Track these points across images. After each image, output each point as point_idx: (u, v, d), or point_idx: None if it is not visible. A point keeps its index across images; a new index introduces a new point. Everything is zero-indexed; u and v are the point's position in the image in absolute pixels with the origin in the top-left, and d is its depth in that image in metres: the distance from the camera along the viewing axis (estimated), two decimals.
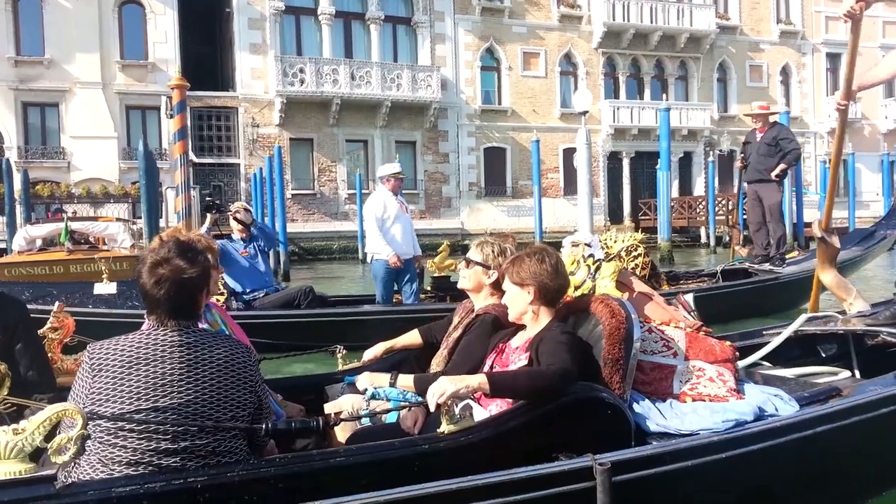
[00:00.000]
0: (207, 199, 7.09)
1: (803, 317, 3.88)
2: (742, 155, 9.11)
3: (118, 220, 14.97)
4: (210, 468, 1.98)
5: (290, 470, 2.04)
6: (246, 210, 6.66)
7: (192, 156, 23.44)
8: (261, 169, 21.05)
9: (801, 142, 25.01)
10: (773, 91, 33.64)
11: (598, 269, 3.34)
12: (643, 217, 29.91)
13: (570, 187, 30.41)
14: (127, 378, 1.95)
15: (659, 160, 25.64)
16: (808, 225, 19.51)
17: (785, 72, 34.32)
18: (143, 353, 1.98)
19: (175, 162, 12.82)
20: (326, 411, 2.86)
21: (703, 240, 27.36)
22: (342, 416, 2.39)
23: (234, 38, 25.59)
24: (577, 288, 3.11)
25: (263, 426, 2.20)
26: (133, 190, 22.00)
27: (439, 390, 2.19)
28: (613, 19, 29.96)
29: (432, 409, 2.21)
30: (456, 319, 3.26)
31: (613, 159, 31.08)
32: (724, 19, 32.59)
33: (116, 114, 23.73)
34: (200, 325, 2.47)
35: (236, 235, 6.48)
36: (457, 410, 2.24)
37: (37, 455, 1.90)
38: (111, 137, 23.43)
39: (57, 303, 3.13)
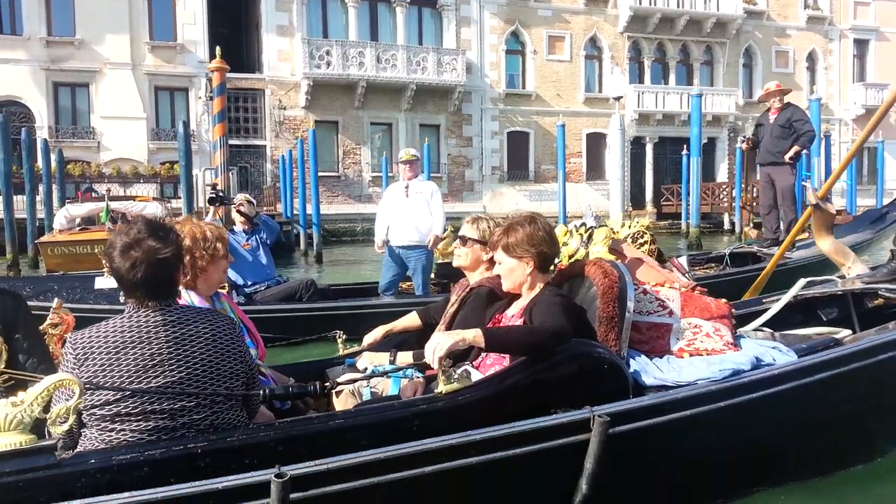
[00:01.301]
0: (211, 191, 6.91)
1: (802, 281, 3.88)
2: (746, 137, 8.98)
3: (155, 199, 15.20)
4: (210, 434, 1.98)
5: (289, 433, 2.04)
6: (249, 202, 6.55)
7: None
8: (290, 151, 21.16)
9: (825, 128, 24.75)
10: (798, 77, 33.29)
11: (590, 236, 3.39)
12: (665, 203, 29.84)
13: (592, 172, 30.41)
14: (116, 363, 1.93)
15: (685, 146, 25.62)
16: (839, 212, 19.47)
17: (811, 58, 33.94)
18: (128, 336, 1.95)
19: (214, 143, 13.09)
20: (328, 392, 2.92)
21: (727, 226, 27.27)
22: (340, 382, 2.42)
23: (260, 20, 25.66)
24: (571, 256, 3.15)
25: (261, 391, 2.23)
26: (162, 170, 22.26)
27: (437, 345, 2.19)
28: (640, 3, 29.70)
29: (434, 365, 2.20)
30: (453, 297, 3.26)
31: (636, 144, 30.96)
32: (752, 4, 32.22)
33: (146, 94, 23.91)
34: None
35: (238, 227, 6.37)
36: (455, 373, 2.25)
37: (37, 429, 1.91)
38: (140, 118, 23.64)
39: (56, 299, 3.14)
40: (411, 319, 3.46)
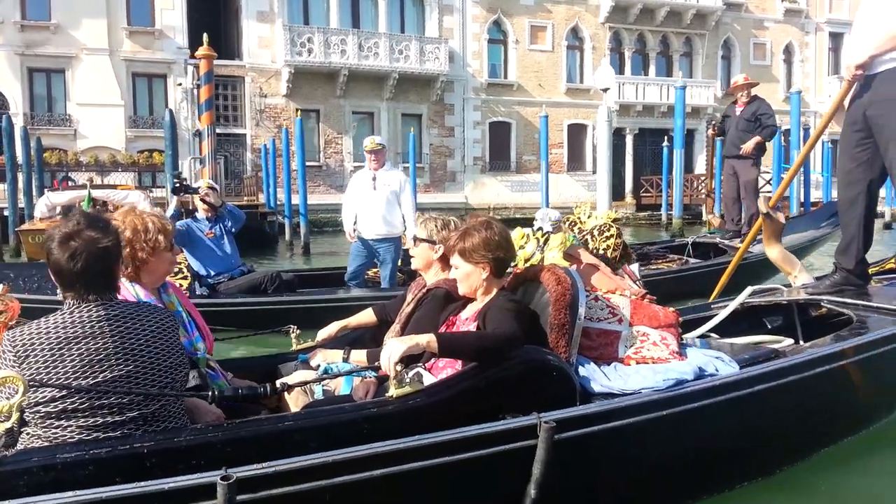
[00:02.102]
0: (175, 180, 6.71)
1: (749, 289, 3.95)
2: (714, 123, 9.04)
3: (137, 188, 14.98)
4: (157, 434, 1.96)
5: (237, 435, 2.02)
6: (213, 189, 6.32)
7: (198, 125, 23.29)
8: (273, 140, 20.93)
9: (802, 121, 25.14)
10: (776, 69, 33.71)
11: (546, 241, 3.42)
12: (645, 194, 30.08)
13: (573, 163, 30.55)
14: (60, 360, 1.89)
15: (666, 137, 25.80)
16: (815, 204, 19.74)
17: (788, 50, 34.35)
18: (71, 332, 1.92)
19: (202, 132, 12.91)
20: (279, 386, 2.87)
21: (705, 217, 27.56)
22: (291, 383, 2.40)
23: (240, 6, 25.28)
24: (527, 260, 3.19)
25: (211, 392, 2.22)
26: (141, 158, 21.91)
27: (392, 351, 2.21)
28: None
29: (390, 372, 2.22)
30: (409, 296, 3.26)
31: (616, 135, 31.02)
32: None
33: (123, 81, 23.48)
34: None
35: (201, 215, 6.15)
36: (407, 377, 2.28)
37: None
38: (118, 105, 23.23)
39: (1, 285, 3.06)
40: (367, 316, 3.45)
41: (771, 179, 23.47)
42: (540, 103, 28.43)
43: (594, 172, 30.90)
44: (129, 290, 2.59)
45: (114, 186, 14.93)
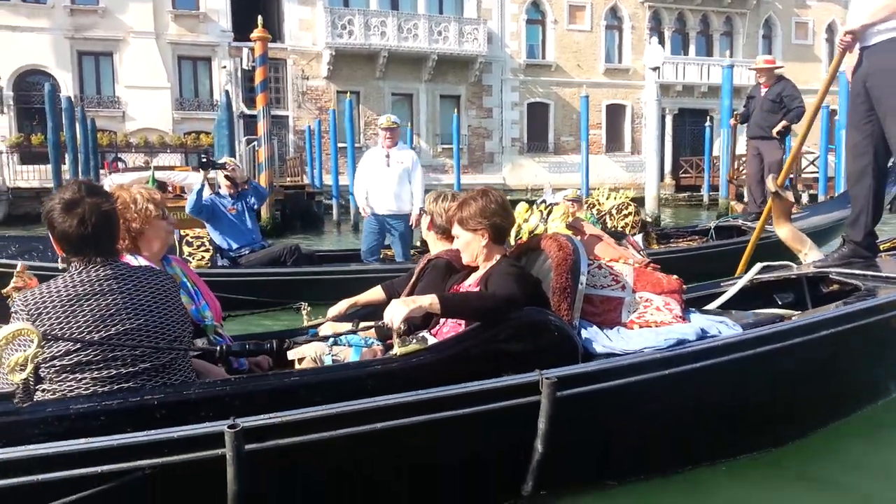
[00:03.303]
0: (202, 156, 6.97)
1: (758, 265, 3.93)
2: (736, 112, 8.88)
3: (194, 168, 15.24)
4: (167, 387, 2.02)
5: (245, 388, 2.08)
6: (236, 166, 6.52)
7: (243, 108, 23.62)
8: (319, 121, 21.19)
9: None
10: (817, 49, 33.09)
11: (549, 213, 3.44)
12: (684, 175, 29.86)
13: (612, 144, 30.40)
14: (72, 316, 1.97)
15: (708, 117, 25.59)
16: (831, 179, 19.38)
17: (831, 29, 33.61)
18: (81, 290, 1.99)
19: (256, 113, 13.15)
20: (290, 357, 2.87)
21: (746, 198, 27.29)
22: (300, 346, 2.43)
23: None
24: (531, 232, 3.21)
25: (219, 347, 2.28)
26: (188, 140, 22.29)
27: (396, 312, 2.24)
28: None
29: (394, 327, 2.25)
30: (416, 270, 3.33)
31: None
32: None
33: (169, 64, 23.87)
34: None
35: (224, 191, 6.32)
36: (411, 340, 2.29)
37: None
38: (164, 88, 23.64)
39: (20, 263, 3.12)
40: (376, 293, 3.50)
41: (816, 159, 23.22)
42: (578, 84, 28.30)
43: (633, 153, 30.80)
44: (132, 262, 2.65)
45: (172, 168, 15.24)
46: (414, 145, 23.85)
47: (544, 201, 3.69)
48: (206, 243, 6.09)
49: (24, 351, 1.83)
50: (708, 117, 26.94)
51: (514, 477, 2.38)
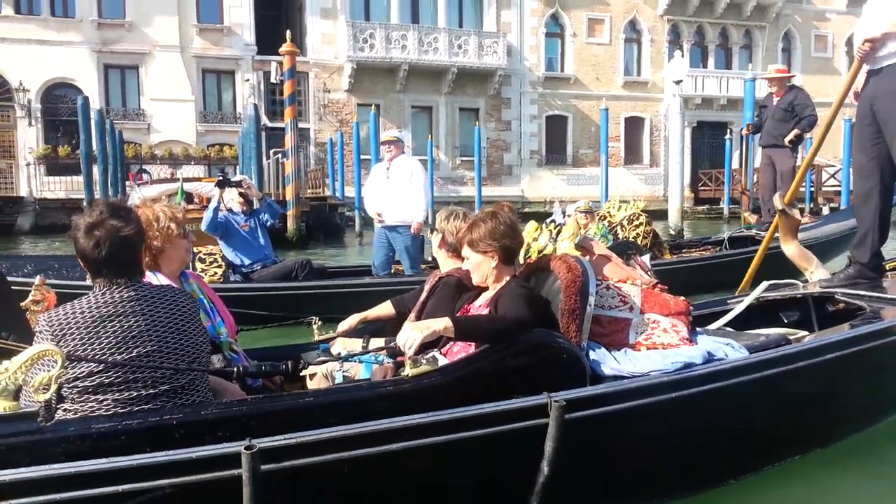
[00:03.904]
0: (220, 174, 6.96)
1: (764, 283, 3.91)
2: (749, 123, 8.89)
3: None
4: (185, 407, 2.06)
5: (261, 409, 2.11)
6: (251, 185, 6.65)
7: (265, 120, 23.87)
8: (341, 134, 21.42)
9: None
10: (837, 62, 33.01)
11: (558, 232, 3.46)
12: (703, 188, 29.81)
13: (630, 156, 30.44)
14: (96, 337, 2.00)
15: (728, 129, 25.57)
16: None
17: (850, 42, 33.54)
18: (104, 311, 2.03)
19: (286, 126, 13.34)
20: (302, 374, 2.90)
21: (761, 207, 27.18)
22: (314, 363, 2.48)
23: (304, 2, 25.82)
24: (539, 252, 3.23)
25: (236, 368, 2.31)
26: (212, 152, 22.59)
27: (409, 339, 2.28)
28: None
29: (407, 354, 2.29)
30: (426, 286, 3.32)
31: None
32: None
33: (194, 77, 24.23)
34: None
35: (237, 208, 6.41)
36: (422, 360, 2.33)
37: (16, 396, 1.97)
38: (189, 100, 23.99)
39: (38, 276, 3.15)
40: (385, 308, 3.52)
41: (837, 172, 23.12)
42: (597, 97, 28.41)
43: (651, 166, 30.81)
44: (153, 280, 2.72)
45: (199, 179, 15.47)
46: (434, 158, 24.03)
47: (553, 220, 3.70)
48: (219, 259, 6.20)
49: (48, 371, 1.86)
50: (728, 130, 26.94)
51: (521, 499, 2.40)
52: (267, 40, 25.40)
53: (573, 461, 2.36)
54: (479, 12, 28.10)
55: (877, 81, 3.92)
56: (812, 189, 25.45)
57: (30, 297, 2.97)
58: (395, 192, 6.64)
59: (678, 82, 15.05)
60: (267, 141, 22.18)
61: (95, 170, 15.79)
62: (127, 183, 17.54)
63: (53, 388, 1.87)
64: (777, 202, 4.56)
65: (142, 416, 1.98)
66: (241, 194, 6.40)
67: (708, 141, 30.69)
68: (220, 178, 6.60)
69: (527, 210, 24.24)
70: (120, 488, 1.87)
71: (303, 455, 2.03)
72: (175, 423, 1.96)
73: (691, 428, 2.66)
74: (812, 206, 24.99)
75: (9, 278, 3.31)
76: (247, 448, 1.91)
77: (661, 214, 28.02)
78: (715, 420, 2.71)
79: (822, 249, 6.85)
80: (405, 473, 2.23)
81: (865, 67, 4.08)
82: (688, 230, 21.63)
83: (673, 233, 16.77)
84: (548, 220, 3.76)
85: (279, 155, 16.93)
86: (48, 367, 1.88)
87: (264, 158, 16.47)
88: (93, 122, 14.37)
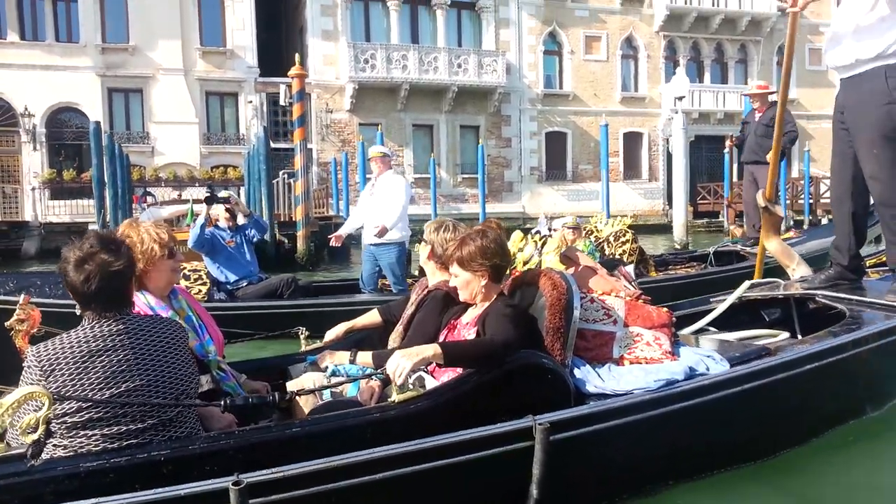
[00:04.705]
0: (207, 191, 6.99)
1: (746, 283, 4.01)
2: (733, 136, 8.87)
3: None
4: (172, 442, 2.07)
5: (248, 441, 2.12)
6: (238, 201, 6.67)
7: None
8: (346, 154, 21.64)
9: None
10: (832, 75, 33.25)
11: (543, 244, 3.51)
12: (702, 201, 30.03)
13: (629, 171, 30.68)
14: (85, 373, 1.99)
15: (725, 143, 25.71)
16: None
17: None
18: (93, 346, 2.03)
19: (296, 147, 13.48)
20: (289, 389, 2.90)
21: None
22: (300, 391, 2.52)
23: (305, 25, 26.10)
24: (525, 263, 3.27)
25: (223, 401, 2.31)
26: (217, 174, 22.73)
27: (398, 367, 2.28)
28: (676, 2, 29.90)
29: (397, 382, 2.29)
30: (413, 297, 3.33)
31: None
32: (785, 2, 32.32)
33: (197, 99, 24.42)
34: (165, 313, 2.70)
35: (223, 223, 6.42)
36: (409, 381, 2.33)
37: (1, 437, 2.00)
38: (192, 123, 24.15)
39: (23, 295, 3.12)
40: (372, 317, 3.54)
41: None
42: (595, 112, 28.73)
43: (650, 180, 31.05)
44: (141, 299, 2.74)
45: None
46: (439, 178, 24.21)
47: (538, 231, 3.74)
48: (204, 277, 6.16)
49: (35, 412, 1.88)
50: (725, 142, 27.16)
51: None
52: (268, 62, 25.66)
53: (561, 480, 2.41)
54: (478, 31, 28.41)
55: (845, 92, 3.95)
56: (811, 201, 25.70)
57: (14, 317, 2.97)
58: (378, 209, 6.56)
59: (680, 98, 15.24)
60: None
61: (109, 194, 15.87)
62: (133, 206, 17.66)
63: (41, 429, 1.89)
64: (760, 199, 4.59)
65: (129, 453, 1.98)
66: (227, 210, 6.42)
67: (706, 154, 30.95)
68: (208, 195, 6.58)
69: (528, 226, 24.38)
70: None
71: (291, 488, 2.05)
72: (163, 459, 1.98)
73: (675, 443, 2.73)
74: (811, 217, 25.24)
75: None
76: (234, 484, 1.93)
77: (662, 228, 28.40)
78: (697, 433, 2.78)
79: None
80: (394, 501, 2.27)
81: (837, 75, 4.08)
82: (692, 245, 21.84)
83: (678, 246, 16.91)
84: (533, 231, 3.80)
85: (285, 175, 17.07)
86: (35, 408, 1.89)
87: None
88: (105, 148, 14.51)
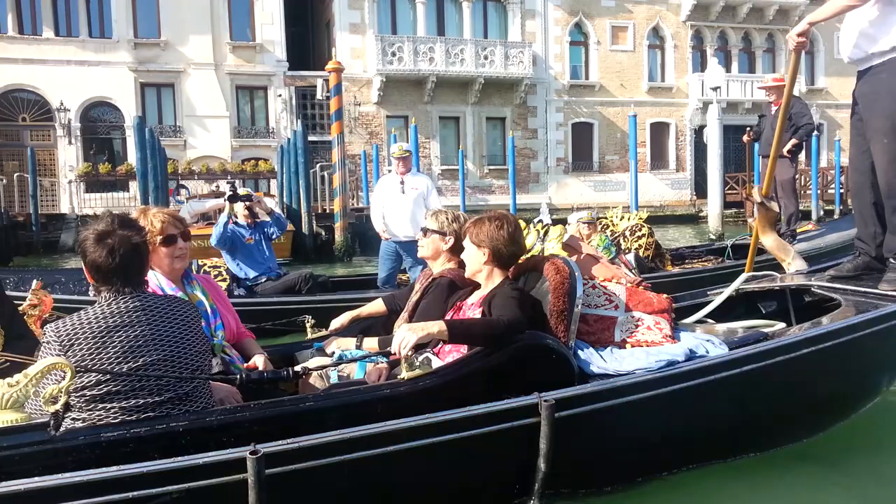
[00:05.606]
0: (230, 188, 7.00)
1: (744, 275, 4.06)
2: (750, 129, 8.79)
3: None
4: (190, 414, 2.13)
5: (263, 414, 2.19)
6: (260, 199, 6.82)
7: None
8: (376, 146, 21.81)
9: None
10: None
11: (546, 233, 3.55)
12: (730, 192, 29.81)
13: (656, 162, 30.57)
14: (103, 347, 2.04)
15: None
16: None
17: None
18: (111, 322, 2.08)
19: (333, 141, 13.66)
20: (296, 370, 2.95)
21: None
22: (313, 368, 2.62)
23: (332, 18, 26.25)
24: (528, 251, 3.34)
25: (239, 375, 2.39)
26: (248, 167, 23.01)
27: (404, 340, 2.35)
28: None
29: (401, 355, 2.35)
30: (417, 286, 3.42)
31: (699, 133, 30.97)
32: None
33: (228, 93, 24.69)
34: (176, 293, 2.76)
35: (242, 221, 6.48)
36: (417, 360, 2.40)
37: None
38: (223, 117, 24.45)
39: (35, 280, 3.18)
40: (377, 306, 3.63)
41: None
42: (622, 103, 28.66)
43: (677, 171, 30.92)
44: (155, 281, 2.81)
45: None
46: (465, 168, 24.29)
47: (541, 220, 3.79)
48: (224, 273, 6.28)
49: (58, 383, 1.93)
50: (743, 137, 26.96)
51: (518, 492, 2.53)
52: (296, 56, 25.87)
53: (567, 455, 2.49)
54: (504, 23, 28.40)
55: (861, 82, 3.98)
56: (842, 191, 25.48)
57: (27, 302, 3.02)
58: (410, 206, 6.74)
59: (715, 89, 15.18)
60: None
61: (133, 185, 16.14)
62: (170, 199, 17.93)
63: (63, 399, 1.94)
64: (755, 195, 4.63)
65: (149, 424, 2.04)
66: (247, 207, 6.51)
67: (733, 145, 30.68)
68: (231, 194, 6.69)
69: (554, 217, 24.38)
70: (130, 495, 1.95)
71: (305, 458, 2.12)
72: (182, 430, 2.05)
73: (675, 422, 2.81)
74: (842, 207, 25.02)
75: (13, 292, 3.42)
76: (252, 453, 2.00)
77: (689, 219, 28.28)
78: (697, 414, 2.86)
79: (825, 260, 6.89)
80: (404, 473, 2.34)
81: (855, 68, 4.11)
82: (716, 236, 21.77)
83: (713, 237, 16.87)
84: (535, 220, 3.90)
85: (319, 167, 17.23)
86: (57, 379, 1.95)
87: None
88: (146, 142, 14.79)
